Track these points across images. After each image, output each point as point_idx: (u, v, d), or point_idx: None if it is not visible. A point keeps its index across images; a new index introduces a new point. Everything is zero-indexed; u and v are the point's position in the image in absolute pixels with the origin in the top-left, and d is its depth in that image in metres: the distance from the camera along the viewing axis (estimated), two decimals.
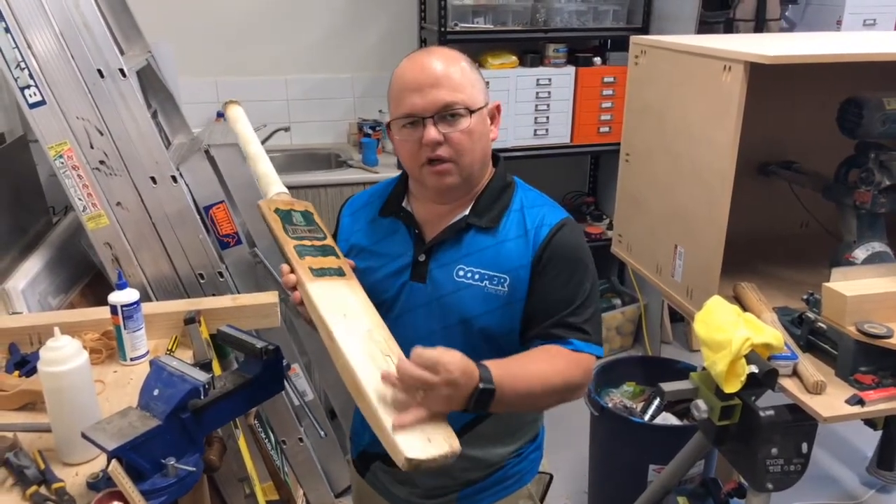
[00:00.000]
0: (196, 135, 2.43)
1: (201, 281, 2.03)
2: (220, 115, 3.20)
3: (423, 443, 0.99)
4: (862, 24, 3.27)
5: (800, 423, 1.46)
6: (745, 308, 1.66)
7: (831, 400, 1.43)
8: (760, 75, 1.54)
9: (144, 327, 1.57)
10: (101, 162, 1.87)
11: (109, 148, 1.86)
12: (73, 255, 2.09)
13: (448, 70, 1.20)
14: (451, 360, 1.02)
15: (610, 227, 3.62)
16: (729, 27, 3.30)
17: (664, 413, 2.39)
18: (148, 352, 1.59)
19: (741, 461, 1.54)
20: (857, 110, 1.69)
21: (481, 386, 1.05)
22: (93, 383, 1.26)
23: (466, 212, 1.28)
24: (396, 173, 1.41)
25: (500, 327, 1.23)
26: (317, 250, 1.29)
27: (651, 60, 1.96)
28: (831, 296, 1.53)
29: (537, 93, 3.27)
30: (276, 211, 1.34)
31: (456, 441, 1.01)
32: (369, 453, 1.42)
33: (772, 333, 1.45)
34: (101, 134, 1.85)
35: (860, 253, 1.77)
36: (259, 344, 1.33)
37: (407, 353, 1.12)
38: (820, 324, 1.56)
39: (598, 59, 3.34)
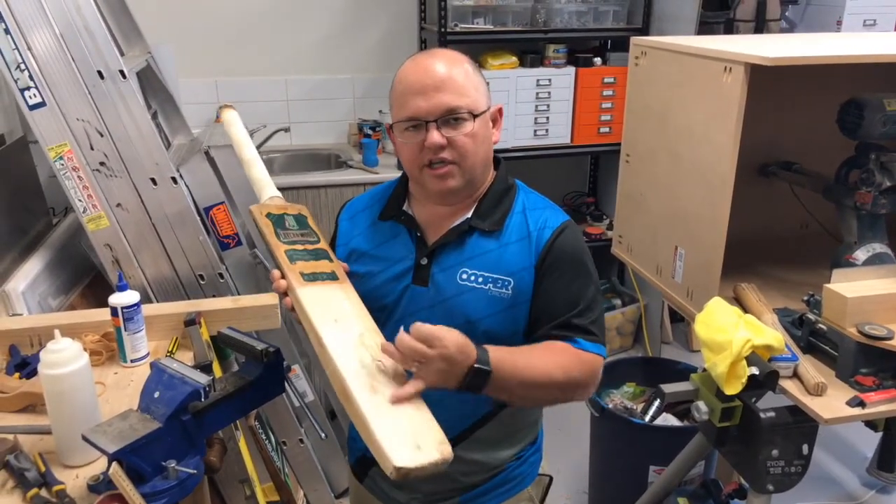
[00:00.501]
0: (196, 136, 2.43)
1: (202, 282, 2.03)
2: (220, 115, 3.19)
3: (412, 450, 0.98)
4: (862, 24, 3.27)
5: (800, 424, 1.46)
6: (745, 309, 1.66)
7: (832, 401, 1.43)
8: (761, 76, 1.54)
9: (145, 329, 1.57)
10: (102, 163, 1.87)
11: (109, 149, 1.86)
12: (73, 257, 2.09)
13: (452, 73, 1.20)
14: (448, 335, 1.05)
15: (610, 227, 3.62)
16: (729, 28, 3.30)
17: (664, 414, 2.39)
18: (148, 353, 1.59)
19: (742, 462, 1.54)
20: (857, 111, 1.69)
21: (476, 366, 1.06)
22: (93, 385, 1.26)
23: (469, 214, 1.27)
24: (397, 174, 1.41)
25: (503, 330, 1.23)
26: (309, 254, 1.28)
27: (651, 61, 1.96)
28: (832, 297, 1.52)
29: (537, 93, 3.27)
30: (268, 216, 1.33)
31: (448, 447, 1.00)
32: (368, 458, 1.41)
33: (772, 335, 1.45)
34: (102, 135, 1.85)
35: (861, 254, 1.76)
36: (260, 346, 1.33)
37: None
38: (820, 325, 1.56)
39: (598, 60, 3.34)
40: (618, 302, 3.65)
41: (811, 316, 1.59)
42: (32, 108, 1.79)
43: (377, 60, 3.50)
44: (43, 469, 1.20)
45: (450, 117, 1.18)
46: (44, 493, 1.16)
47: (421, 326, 1.04)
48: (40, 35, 1.76)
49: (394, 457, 0.96)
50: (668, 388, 1.58)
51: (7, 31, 1.73)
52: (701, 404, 1.51)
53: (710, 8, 3.22)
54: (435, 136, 1.18)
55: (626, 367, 2.63)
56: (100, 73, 1.81)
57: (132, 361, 1.56)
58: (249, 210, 1.38)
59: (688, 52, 1.75)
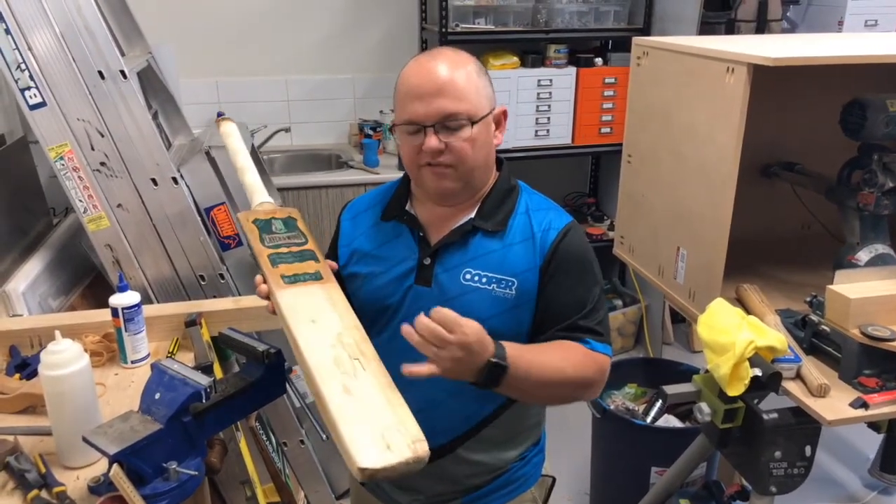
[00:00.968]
0: (197, 136, 2.42)
1: (202, 283, 2.02)
2: (221, 115, 3.18)
3: (381, 450, 0.95)
4: (863, 25, 3.26)
5: (803, 426, 1.45)
6: (747, 310, 1.65)
7: (835, 403, 1.42)
8: (763, 76, 1.53)
9: (145, 330, 1.56)
10: (102, 163, 1.86)
11: (110, 149, 1.86)
12: (73, 257, 2.09)
13: (453, 76, 1.18)
14: (469, 324, 1.04)
15: (611, 227, 3.62)
16: (730, 28, 3.29)
17: (666, 415, 2.39)
18: (149, 354, 1.58)
19: (744, 464, 1.54)
20: (860, 112, 1.68)
21: (493, 360, 1.06)
22: (94, 387, 1.26)
23: (472, 215, 1.27)
24: (398, 174, 1.41)
25: (508, 330, 1.22)
26: (294, 256, 1.27)
27: (653, 62, 1.95)
28: (835, 298, 1.52)
29: (538, 93, 3.26)
30: (255, 221, 1.33)
31: (424, 445, 0.96)
32: None
33: (775, 336, 1.45)
34: (102, 135, 1.84)
35: (863, 255, 1.76)
36: (261, 347, 1.32)
37: (410, 356, 1.11)
38: (823, 326, 1.55)
39: (599, 60, 3.33)
40: (619, 303, 3.65)
41: (814, 317, 1.58)
42: (33, 108, 1.79)
43: (378, 60, 3.50)
44: (43, 470, 1.20)
45: (448, 122, 1.18)
46: (44, 494, 1.16)
47: (442, 310, 1.04)
48: (41, 35, 1.76)
49: (358, 457, 0.94)
50: (671, 389, 1.57)
51: (7, 31, 1.73)
52: (703, 405, 1.51)
53: (712, 8, 3.21)
54: (432, 142, 1.18)
55: (628, 368, 2.63)
56: (100, 73, 1.81)
57: (133, 362, 1.55)
58: (237, 217, 1.37)
59: (690, 53, 1.75)
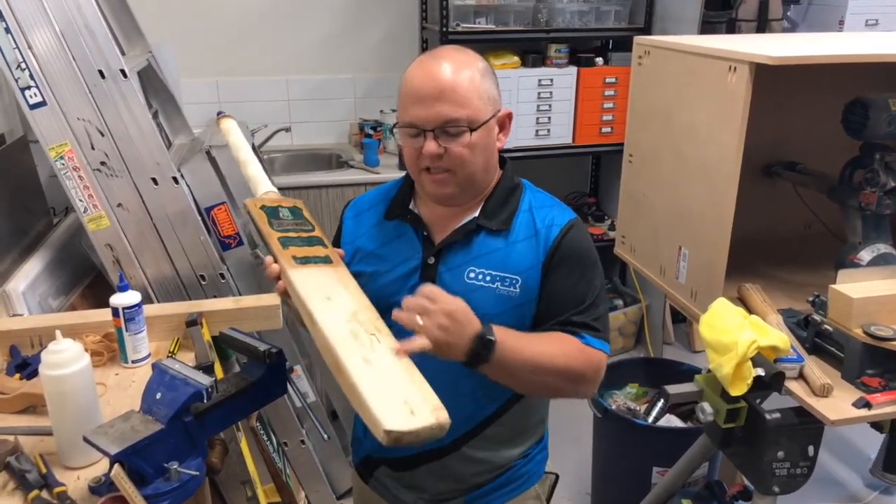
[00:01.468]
0: (197, 135, 2.42)
1: (203, 282, 2.02)
2: (221, 114, 3.18)
3: (406, 415, 0.95)
4: (864, 24, 3.26)
5: (806, 425, 1.45)
6: (749, 310, 1.65)
7: (838, 403, 1.42)
8: (764, 76, 1.53)
9: (146, 329, 1.56)
10: (102, 163, 1.86)
11: (110, 149, 1.85)
12: (73, 257, 2.09)
13: (455, 80, 1.17)
14: (454, 298, 1.08)
15: (612, 227, 3.62)
16: (731, 27, 3.29)
17: (668, 415, 2.38)
18: (149, 354, 1.58)
19: (747, 464, 1.54)
20: (862, 111, 1.68)
21: (481, 333, 1.08)
22: (95, 387, 1.25)
23: (476, 214, 1.27)
24: (398, 174, 1.41)
25: (512, 328, 1.22)
26: (302, 241, 1.28)
27: (655, 61, 1.95)
28: (837, 298, 1.52)
29: (539, 93, 3.26)
30: (262, 207, 1.34)
31: (444, 413, 0.98)
32: (373, 458, 1.41)
33: (778, 336, 1.44)
34: (102, 135, 1.84)
35: (865, 254, 1.76)
36: (262, 347, 1.32)
37: (412, 354, 1.11)
38: (826, 326, 1.55)
39: (600, 60, 3.33)
40: (619, 302, 3.64)
41: (816, 317, 1.58)
42: (33, 107, 1.78)
43: (378, 60, 3.50)
44: (44, 470, 1.19)
45: (447, 128, 1.17)
46: (45, 494, 1.15)
47: (427, 286, 1.08)
48: (41, 34, 1.75)
49: (384, 420, 0.93)
50: (673, 388, 1.57)
51: (7, 30, 1.73)
52: (706, 405, 1.51)
53: (713, 7, 3.21)
54: (431, 146, 1.18)
55: (629, 368, 2.62)
56: (101, 72, 1.80)
57: (133, 362, 1.55)
58: (244, 203, 1.37)
59: (692, 52, 1.75)
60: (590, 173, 3.94)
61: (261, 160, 2.47)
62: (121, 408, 1.34)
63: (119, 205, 1.90)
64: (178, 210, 1.93)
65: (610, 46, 3.54)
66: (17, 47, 1.74)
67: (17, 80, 1.76)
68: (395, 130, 1.26)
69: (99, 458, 1.22)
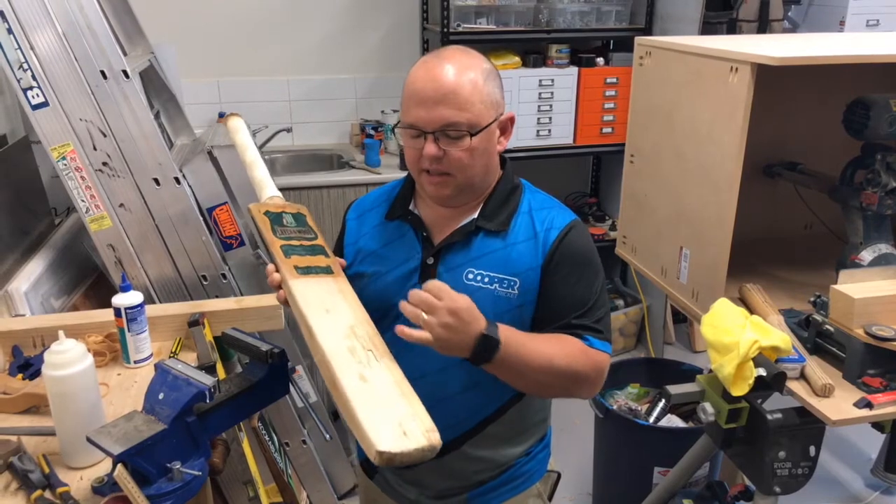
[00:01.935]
0: (198, 136, 2.42)
1: (204, 283, 2.02)
2: (223, 115, 3.19)
3: (398, 436, 0.97)
4: (865, 24, 3.26)
5: (807, 426, 1.45)
6: (750, 310, 1.65)
7: (839, 403, 1.42)
8: (765, 76, 1.53)
9: (148, 330, 1.56)
10: (104, 163, 1.86)
11: (112, 149, 1.86)
12: (75, 257, 2.09)
13: (458, 83, 1.17)
14: (460, 295, 1.07)
15: (612, 227, 3.62)
16: (732, 28, 3.29)
17: (669, 415, 2.39)
18: (152, 354, 1.58)
19: (748, 464, 1.54)
20: (864, 111, 1.68)
21: (486, 331, 1.08)
22: (98, 387, 1.26)
23: (475, 215, 1.27)
24: (399, 174, 1.41)
25: None
26: (305, 250, 1.29)
27: (656, 61, 1.95)
28: (839, 298, 1.52)
29: (540, 93, 3.26)
30: (266, 213, 1.34)
31: (436, 436, 0.99)
32: None
33: (779, 336, 1.45)
34: (104, 135, 1.84)
35: (867, 254, 1.76)
36: (264, 347, 1.32)
37: (414, 354, 1.11)
38: (827, 326, 1.55)
39: (600, 60, 3.33)
40: (620, 303, 3.64)
41: (818, 317, 1.58)
42: (35, 108, 1.79)
43: (379, 60, 3.50)
44: (47, 471, 1.20)
45: (447, 131, 1.17)
46: (48, 494, 1.15)
47: (433, 282, 1.07)
48: (43, 35, 1.76)
49: (377, 441, 0.95)
50: (674, 389, 1.57)
51: (10, 31, 1.73)
52: (707, 405, 1.51)
53: (713, 8, 3.21)
54: (430, 149, 1.18)
55: (630, 368, 2.63)
56: (103, 72, 1.80)
57: (136, 362, 1.55)
58: (248, 208, 1.38)
59: (693, 52, 1.75)
60: (590, 173, 3.95)
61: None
62: (123, 408, 1.35)
63: (121, 205, 1.90)
64: (179, 210, 1.94)
65: (611, 47, 3.55)
66: (20, 48, 1.74)
67: (19, 81, 1.76)
68: (396, 130, 1.26)
69: (102, 459, 1.23)
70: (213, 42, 3.29)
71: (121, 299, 1.52)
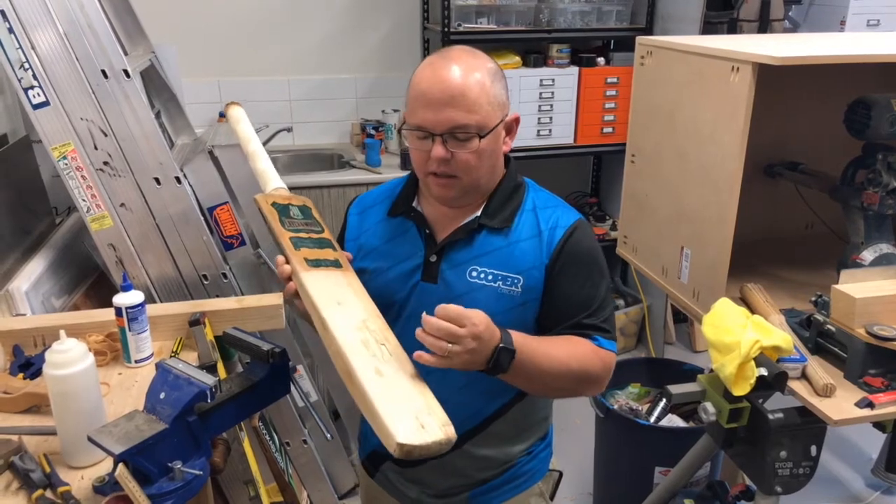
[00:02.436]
0: (199, 135, 2.42)
1: (205, 282, 2.02)
2: (223, 115, 3.19)
3: (417, 429, 0.98)
4: (865, 24, 3.26)
5: (809, 425, 1.45)
6: (752, 310, 1.65)
7: (840, 403, 1.42)
8: (766, 76, 1.53)
9: (149, 329, 1.56)
10: (105, 163, 1.86)
11: (113, 149, 1.85)
12: (76, 256, 2.09)
13: (465, 85, 1.16)
14: (476, 314, 1.06)
15: (613, 227, 3.62)
16: (732, 28, 3.29)
17: (670, 415, 2.38)
18: (153, 354, 1.58)
19: (750, 464, 1.54)
20: (865, 111, 1.68)
21: (501, 345, 1.08)
22: (99, 386, 1.25)
23: (478, 212, 1.27)
24: (400, 174, 1.41)
25: (513, 327, 1.22)
26: (313, 242, 1.29)
27: (657, 61, 1.95)
28: (840, 298, 1.52)
29: (540, 93, 3.26)
30: (273, 204, 1.34)
31: (451, 429, 1.00)
32: (380, 453, 1.42)
33: (781, 336, 1.45)
34: (105, 135, 1.84)
35: (868, 254, 1.76)
36: (266, 347, 1.32)
37: (419, 349, 1.11)
38: (828, 326, 1.55)
39: (601, 60, 3.33)
40: (621, 302, 3.64)
41: (819, 317, 1.58)
42: (36, 107, 1.78)
43: (380, 60, 3.49)
44: (48, 470, 1.19)
45: (456, 133, 1.17)
46: (49, 494, 1.15)
47: (447, 307, 1.05)
48: (44, 34, 1.75)
49: (397, 433, 0.96)
50: (675, 388, 1.57)
51: (11, 31, 1.73)
52: (708, 405, 1.51)
53: (714, 8, 3.21)
54: (439, 151, 1.18)
55: (631, 368, 2.63)
56: (103, 72, 1.80)
57: (136, 362, 1.55)
58: (255, 199, 1.37)
59: (694, 52, 1.75)
60: (591, 173, 3.95)
61: None
62: (124, 407, 1.34)
63: (122, 205, 1.90)
64: (180, 210, 1.94)
65: (611, 46, 3.55)
66: (21, 47, 1.74)
67: (20, 80, 1.76)
68: (402, 131, 1.25)
69: (103, 458, 1.23)
70: (213, 42, 3.29)
71: (122, 299, 1.52)
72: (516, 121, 1.27)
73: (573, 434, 2.80)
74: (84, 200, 1.87)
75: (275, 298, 1.72)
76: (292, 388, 1.39)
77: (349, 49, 3.46)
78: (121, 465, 1.07)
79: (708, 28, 3.15)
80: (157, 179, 1.90)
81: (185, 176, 1.95)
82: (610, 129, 3.39)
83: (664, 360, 2.92)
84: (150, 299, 1.91)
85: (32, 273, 1.85)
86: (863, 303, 1.48)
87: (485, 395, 1.29)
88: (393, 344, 1.11)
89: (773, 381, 1.40)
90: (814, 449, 1.47)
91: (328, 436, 2.24)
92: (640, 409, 2.46)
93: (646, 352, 3.61)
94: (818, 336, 1.58)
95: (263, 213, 1.33)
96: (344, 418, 2.61)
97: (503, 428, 1.32)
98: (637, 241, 2.15)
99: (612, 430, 2.39)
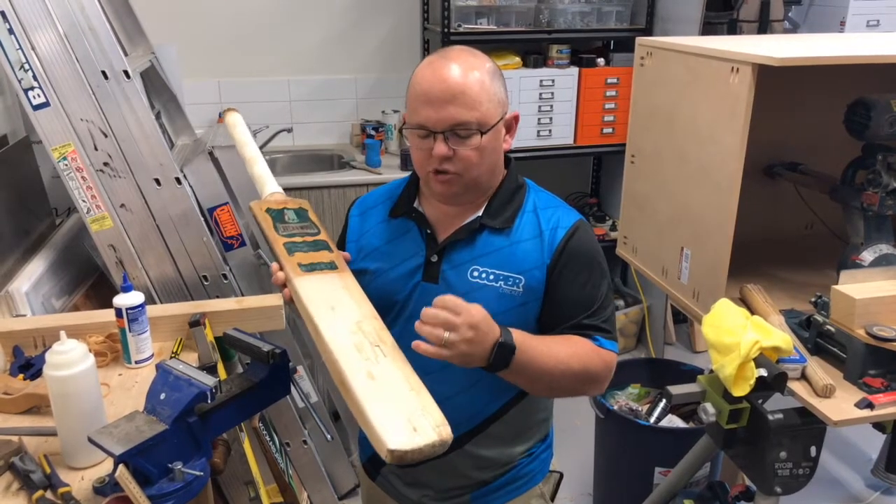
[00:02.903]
0: (199, 136, 2.42)
1: (205, 283, 2.02)
2: (223, 115, 3.19)
3: (408, 433, 0.97)
4: (865, 24, 3.26)
5: (808, 426, 1.45)
6: (751, 310, 1.65)
7: (840, 403, 1.42)
8: (766, 76, 1.53)
9: (149, 330, 1.56)
10: (105, 163, 1.86)
11: (113, 149, 1.86)
12: (76, 257, 2.09)
13: (466, 83, 1.17)
14: (473, 306, 1.07)
15: (613, 228, 3.62)
16: (732, 28, 3.29)
17: (670, 415, 2.39)
18: (153, 354, 1.58)
19: (750, 465, 1.54)
20: (865, 112, 1.68)
21: (502, 339, 1.08)
22: (99, 387, 1.26)
23: (480, 213, 1.28)
24: (400, 174, 1.41)
25: (514, 327, 1.22)
26: (308, 246, 1.28)
27: (657, 62, 1.95)
28: (840, 298, 1.52)
29: (540, 94, 3.26)
30: (268, 211, 1.34)
31: (447, 429, 0.99)
32: (380, 456, 1.41)
33: (781, 336, 1.45)
34: (105, 135, 1.84)
35: (868, 255, 1.76)
36: (266, 348, 1.32)
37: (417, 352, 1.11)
38: (828, 326, 1.55)
39: (601, 60, 3.33)
40: (621, 303, 3.64)
41: (819, 317, 1.58)
42: (36, 108, 1.78)
43: (380, 61, 3.50)
44: (48, 471, 1.19)
45: (457, 130, 1.18)
46: (49, 495, 1.15)
47: (445, 297, 1.06)
48: (44, 35, 1.76)
49: (387, 439, 0.95)
50: (675, 389, 1.57)
51: (11, 31, 1.73)
52: (708, 406, 1.51)
53: (714, 8, 3.21)
54: (440, 149, 1.18)
55: (631, 369, 2.63)
56: (104, 73, 1.80)
57: (137, 363, 1.55)
58: (249, 206, 1.38)
59: (694, 53, 1.75)
60: (591, 174, 3.95)
61: None
62: (124, 408, 1.34)
63: (122, 205, 1.90)
64: (180, 211, 1.94)
65: (611, 47, 3.55)
66: (21, 48, 1.74)
67: (20, 81, 1.76)
68: (403, 131, 1.26)
69: (103, 459, 1.23)
70: (213, 42, 3.29)
71: (122, 299, 1.52)
72: (515, 119, 1.28)
73: (573, 435, 2.80)
74: (84, 201, 1.87)
75: (275, 299, 1.72)
76: (292, 388, 1.39)
77: (349, 50, 3.46)
78: (121, 466, 1.07)
79: (708, 29, 3.15)
80: (157, 180, 1.90)
81: (185, 177, 1.95)
82: (610, 130, 3.39)
83: (664, 361, 2.92)
84: (150, 300, 1.91)
85: (33, 274, 1.85)
86: (863, 303, 1.48)
87: (485, 396, 1.29)
88: (389, 345, 1.11)
89: (772, 382, 1.40)
90: (813, 449, 1.47)
91: (328, 436, 2.24)
92: (640, 409, 2.46)
93: (646, 352, 3.61)
94: (818, 337, 1.58)
95: (258, 220, 1.33)
96: (344, 419, 2.61)
97: (503, 428, 1.32)
98: (637, 242, 2.15)
99: (612, 430, 2.39)
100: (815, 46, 1.91)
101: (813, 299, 1.65)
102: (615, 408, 2.43)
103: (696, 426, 2.31)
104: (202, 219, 1.99)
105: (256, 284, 2.16)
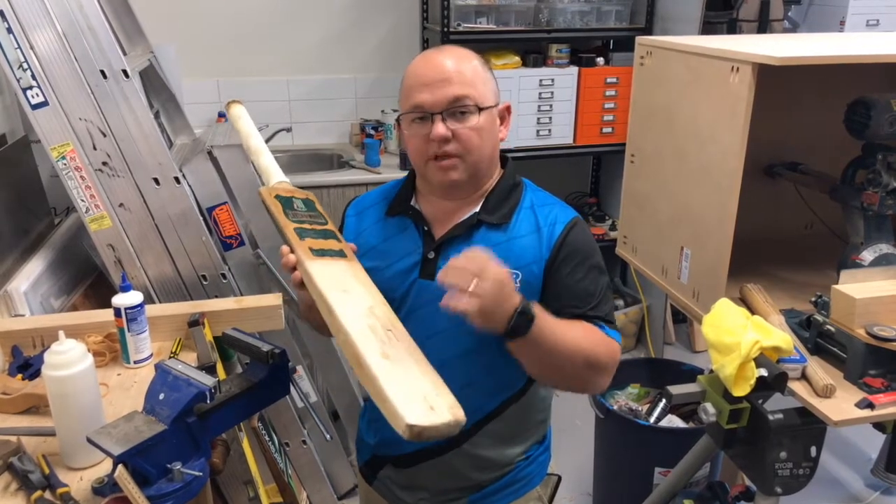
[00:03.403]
0: (198, 136, 2.42)
1: (204, 283, 2.02)
2: (222, 115, 3.19)
3: (426, 410, 0.97)
4: (865, 24, 3.27)
5: (809, 426, 1.45)
6: (751, 310, 1.65)
7: (840, 403, 1.42)
8: (766, 76, 1.53)
9: (148, 330, 1.56)
10: (104, 163, 1.86)
11: (112, 149, 1.85)
12: (75, 257, 2.09)
13: (459, 66, 1.21)
14: (503, 266, 1.06)
15: (612, 227, 3.62)
16: (732, 28, 3.29)
17: (669, 415, 2.38)
18: (152, 354, 1.58)
19: (750, 465, 1.53)
20: (865, 111, 1.68)
21: (524, 305, 1.07)
22: (98, 387, 1.25)
23: (477, 209, 1.28)
24: (399, 174, 1.41)
25: None
26: (317, 233, 1.29)
27: (657, 61, 1.95)
28: (840, 298, 1.52)
29: (540, 93, 3.26)
30: (277, 197, 1.34)
31: (460, 411, 0.99)
32: (377, 459, 1.41)
33: (781, 336, 1.44)
34: (104, 135, 1.84)
35: (868, 255, 1.76)
36: (265, 348, 1.32)
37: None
38: (828, 326, 1.55)
39: (601, 60, 3.33)
40: (620, 303, 3.64)
41: (819, 317, 1.58)
42: (35, 107, 1.78)
43: (379, 60, 3.49)
44: (47, 471, 1.19)
45: (455, 109, 1.19)
46: (48, 495, 1.15)
47: (474, 248, 1.06)
48: (43, 34, 1.75)
49: (406, 415, 0.95)
50: (675, 389, 1.57)
51: (10, 31, 1.72)
52: (708, 406, 1.50)
53: (714, 8, 3.21)
54: (440, 128, 1.19)
55: (630, 369, 2.62)
56: (102, 72, 1.80)
57: (136, 362, 1.55)
58: (258, 192, 1.37)
59: (694, 52, 1.75)
60: (591, 173, 3.94)
61: None
62: (123, 408, 1.34)
63: (121, 205, 1.90)
64: (179, 210, 1.93)
65: (611, 46, 3.54)
66: (19, 47, 1.74)
67: (18, 81, 1.76)
68: (400, 118, 1.27)
69: (102, 459, 1.22)
70: (212, 42, 3.29)
71: (121, 299, 1.51)
72: (508, 109, 1.30)
73: (573, 434, 2.80)
74: (83, 201, 1.87)
75: (274, 299, 1.72)
76: (292, 388, 1.39)
77: (349, 49, 3.46)
78: (120, 467, 1.07)
79: (707, 28, 3.15)
80: (156, 180, 1.90)
81: (184, 176, 1.95)
82: (609, 130, 3.39)
83: (664, 361, 2.92)
84: (148, 300, 1.91)
85: (31, 273, 1.84)
86: (863, 303, 1.48)
87: (483, 394, 1.29)
88: (399, 330, 1.11)
89: (773, 382, 1.40)
90: (814, 449, 1.47)
91: (328, 436, 2.24)
92: (639, 409, 2.46)
93: (645, 352, 3.61)
94: (818, 336, 1.58)
95: (267, 205, 1.33)
96: (343, 419, 2.60)
97: (501, 427, 1.32)
98: (637, 241, 2.15)
99: (611, 430, 2.39)
100: (815, 46, 1.91)
101: (813, 299, 1.64)
102: (615, 408, 2.42)
103: (696, 426, 2.31)
104: (201, 218, 1.99)
105: (255, 284, 2.15)
